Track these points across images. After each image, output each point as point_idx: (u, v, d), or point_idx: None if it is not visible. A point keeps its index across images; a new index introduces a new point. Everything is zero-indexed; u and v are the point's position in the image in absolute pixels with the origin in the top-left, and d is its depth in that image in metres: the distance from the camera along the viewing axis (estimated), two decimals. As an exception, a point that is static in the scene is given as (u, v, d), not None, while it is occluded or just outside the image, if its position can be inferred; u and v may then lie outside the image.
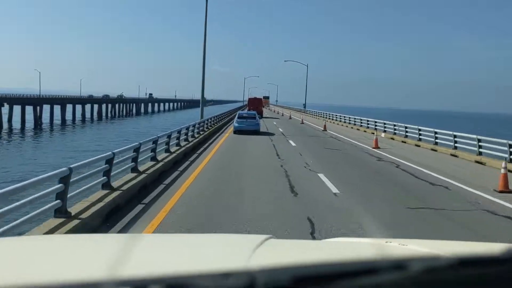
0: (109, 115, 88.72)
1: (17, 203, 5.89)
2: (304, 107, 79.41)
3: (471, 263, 0.76)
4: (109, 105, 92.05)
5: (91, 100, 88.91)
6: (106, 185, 8.79)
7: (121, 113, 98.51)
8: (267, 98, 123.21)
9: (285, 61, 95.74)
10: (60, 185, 6.73)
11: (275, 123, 41.95)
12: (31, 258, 1.14)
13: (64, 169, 6.84)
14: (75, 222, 6.73)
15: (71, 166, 7.05)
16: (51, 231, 6.19)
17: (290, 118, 55.14)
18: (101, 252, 1.20)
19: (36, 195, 6.34)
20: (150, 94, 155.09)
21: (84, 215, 7.07)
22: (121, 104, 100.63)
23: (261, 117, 45.63)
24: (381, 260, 0.76)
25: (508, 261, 0.78)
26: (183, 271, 0.82)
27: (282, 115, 66.24)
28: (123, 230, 7.04)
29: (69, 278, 0.84)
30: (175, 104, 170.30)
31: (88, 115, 78.21)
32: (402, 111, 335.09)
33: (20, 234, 5.88)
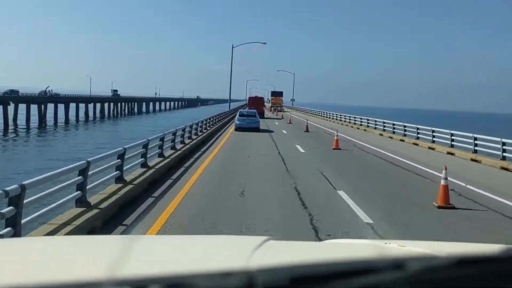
0: (33, 120, 54.24)
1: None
2: None
3: (469, 262, 0.76)
4: (34, 106, 56.98)
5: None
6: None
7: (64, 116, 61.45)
8: (278, 94, 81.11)
9: None
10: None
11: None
12: (31, 258, 1.15)
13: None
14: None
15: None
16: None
17: None
18: (101, 253, 1.21)
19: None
20: (115, 91, 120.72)
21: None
22: (56, 105, 62.66)
23: (262, 117, 42.85)
24: (379, 260, 0.76)
25: (505, 260, 0.77)
26: (183, 271, 0.82)
27: None
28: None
29: (69, 278, 0.85)
30: (161, 104, 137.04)
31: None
32: (408, 111, 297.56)
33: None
